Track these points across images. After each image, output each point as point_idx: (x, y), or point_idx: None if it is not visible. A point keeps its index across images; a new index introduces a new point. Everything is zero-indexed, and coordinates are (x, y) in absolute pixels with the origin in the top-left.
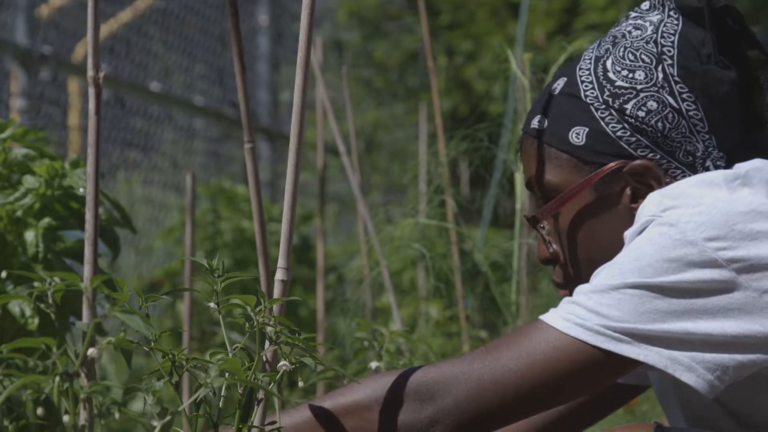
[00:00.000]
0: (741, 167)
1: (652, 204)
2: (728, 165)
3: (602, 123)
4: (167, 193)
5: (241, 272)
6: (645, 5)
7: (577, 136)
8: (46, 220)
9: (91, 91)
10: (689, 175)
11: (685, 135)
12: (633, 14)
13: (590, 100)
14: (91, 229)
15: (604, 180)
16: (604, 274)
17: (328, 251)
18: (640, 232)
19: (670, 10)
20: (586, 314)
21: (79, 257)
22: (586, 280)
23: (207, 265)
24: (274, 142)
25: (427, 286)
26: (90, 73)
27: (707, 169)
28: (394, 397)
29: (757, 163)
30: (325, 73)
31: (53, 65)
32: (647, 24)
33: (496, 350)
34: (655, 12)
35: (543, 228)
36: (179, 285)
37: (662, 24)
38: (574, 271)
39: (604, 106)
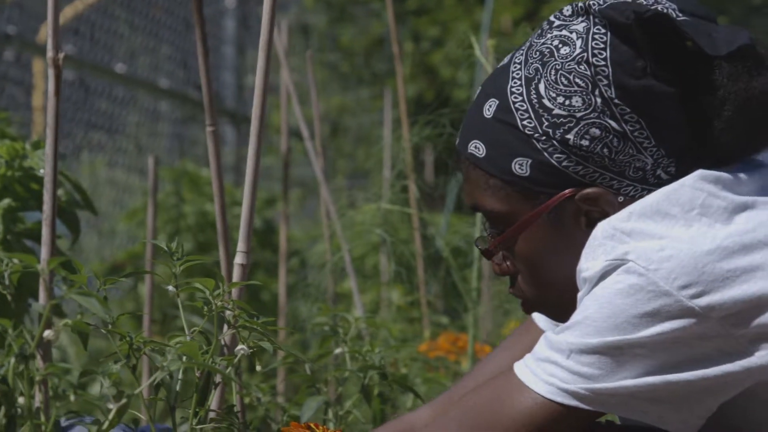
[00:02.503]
0: (695, 196)
1: (606, 239)
2: (678, 168)
3: (545, 155)
4: (131, 176)
5: (203, 256)
6: (567, 10)
7: (521, 167)
8: (6, 201)
9: (51, 72)
10: (641, 189)
11: (633, 155)
12: (556, 22)
13: (529, 131)
14: (48, 210)
15: (555, 209)
16: (580, 332)
17: (291, 236)
18: (602, 277)
19: (594, 17)
20: (568, 377)
21: (39, 239)
22: (543, 299)
23: (167, 248)
24: (239, 126)
25: (389, 271)
26: (50, 53)
27: (659, 178)
28: None
29: (709, 187)
30: (290, 58)
31: (17, 46)
32: (574, 37)
33: (486, 424)
34: (580, 20)
35: (497, 256)
36: (141, 268)
37: (590, 37)
38: (532, 292)
39: (545, 138)
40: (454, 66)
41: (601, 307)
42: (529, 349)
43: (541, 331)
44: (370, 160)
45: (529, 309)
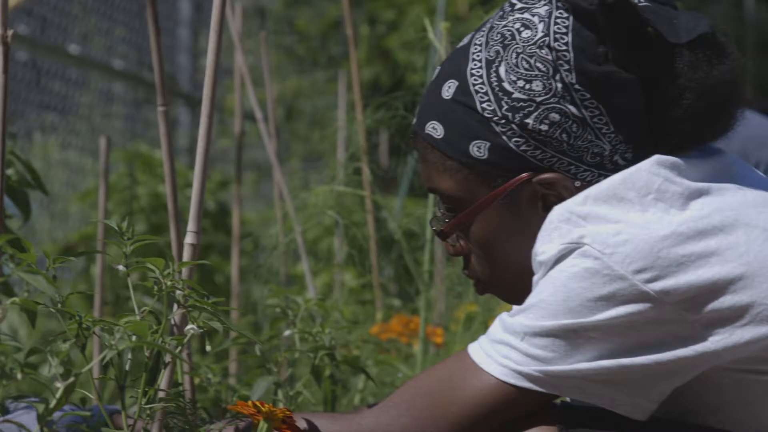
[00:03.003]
0: (651, 181)
1: (561, 223)
2: (635, 154)
3: (504, 138)
4: (84, 157)
5: (155, 237)
6: None
7: (479, 149)
8: None
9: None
10: (598, 175)
11: (591, 140)
12: (518, 4)
13: (488, 114)
14: None
15: (512, 192)
16: (535, 315)
17: (245, 218)
18: (557, 260)
19: (557, 1)
20: (522, 359)
21: None
22: (496, 281)
23: (118, 229)
24: (194, 109)
25: (342, 253)
26: None
27: (616, 164)
28: None
29: (665, 172)
30: (245, 40)
31: None
32: (536, 20)
33: (437, 405)
34: (542, 3)
35: (451, 237)
36: (93, 249)
37: (552, 21)
38: (485, 274)
39: (504, 121)
40: (409, 50)
41: (556, 290)
42: None
43: None
44: (325, 143)
45: (481, 290)
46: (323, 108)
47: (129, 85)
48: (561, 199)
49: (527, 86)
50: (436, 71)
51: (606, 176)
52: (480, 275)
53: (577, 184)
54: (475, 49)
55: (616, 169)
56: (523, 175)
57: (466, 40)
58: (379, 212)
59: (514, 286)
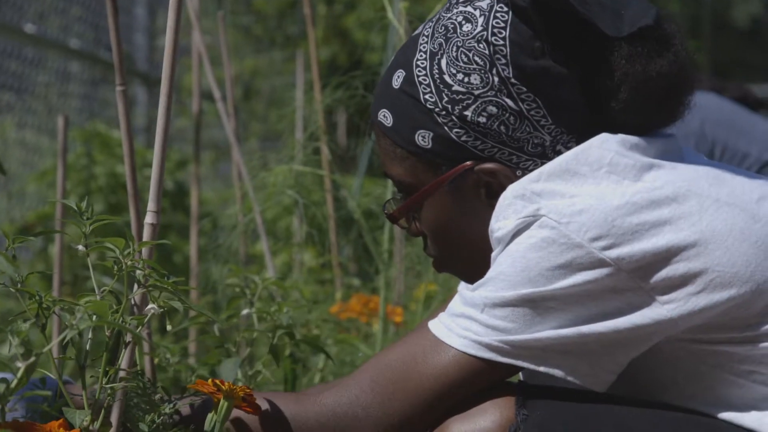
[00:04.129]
0: (603, 155)
1: (516, 199)
2: (579, 143)
3: (446, 129)
4: (41, 137)
5: (114, 217)
6: None
7: (423, 139)
8: None
9: None
10: (540, 163)
11: (530, 132)
12: None
13: (430, 105)
14: None
15: (456, 179)
16: (494, 286)
17: (204, 198)
18: (515, 234)
19: None
20: (482, 330)
21: None
22: (451, 260)
23: (76, 208)
24: (152, 88)
25: (302, 233)
26: None
27: (558, 153)
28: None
29: (616, 147)
30: (203, 20)
31: None
32: (477, 14)
33: (399, 381)
34: None
35: (406, 220)
36: (52, 228)
37: (492, 15)
38: (439, 253)
39: (444, 113)
40: (366, 29)
41: (515, 262)
42: None
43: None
44: (283, 122)
45: (439, 268)
46: (281, 87)
47: (86, 64)
48: (503, 188)
49: (466, 79)
50: (391, 59)
51: None
52: (436, 254)
53: (519, 173)
54: (423, 40)
55: None
56: (466, 163)
57: (417, 30)
58: (338, 191)
59: (469, 264)
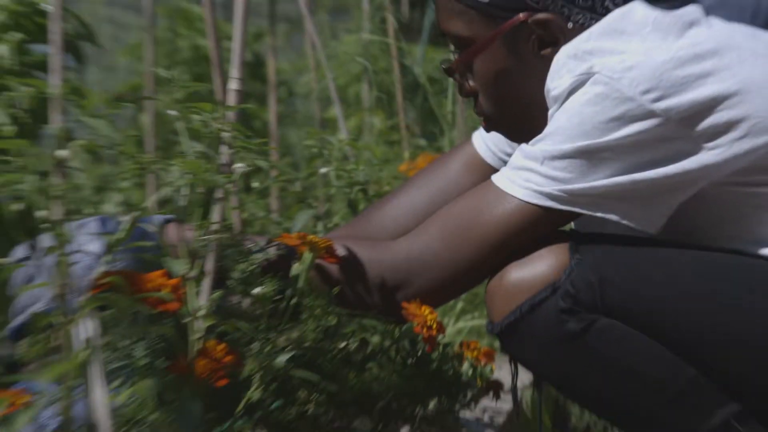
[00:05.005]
0: (648, 14)
1: (569, 59)
2: (626, 1)
3: None
4: (128, 14)
5: (201, 83)
6: None
7: None
8: (17, 35)
9: None
10: (590, 18)
11: None
12: None
13: None
14: (56, 38)
15: (511, 31)
16: (553, 140)
17: (279, 67)
18: (570, 92)
19: None
20: (543, 181)
21: (46, 69)
22: (502, 117)
23: (167, 76)
24: None
25: (371, 98)
26: None
27: (606, 9)
28: (369, 279)
29: (658, 8)
30: None
31: None
32: None
33: (465, 229)
34: None
35: (459, 76)
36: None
37: None
38: (490, 110)
39: None
40: None
41: (571, 117)
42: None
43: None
44: None
45: (489, 127)
46: None
47: None
48: (554, 40)
49: None
50: None
51: (598, 20)
52: (486, 112)
53: (570, 25)
54: None
55: (607, 12)
56: (521, 15)
57: None
58: (404, 59)
59: (519, 123)
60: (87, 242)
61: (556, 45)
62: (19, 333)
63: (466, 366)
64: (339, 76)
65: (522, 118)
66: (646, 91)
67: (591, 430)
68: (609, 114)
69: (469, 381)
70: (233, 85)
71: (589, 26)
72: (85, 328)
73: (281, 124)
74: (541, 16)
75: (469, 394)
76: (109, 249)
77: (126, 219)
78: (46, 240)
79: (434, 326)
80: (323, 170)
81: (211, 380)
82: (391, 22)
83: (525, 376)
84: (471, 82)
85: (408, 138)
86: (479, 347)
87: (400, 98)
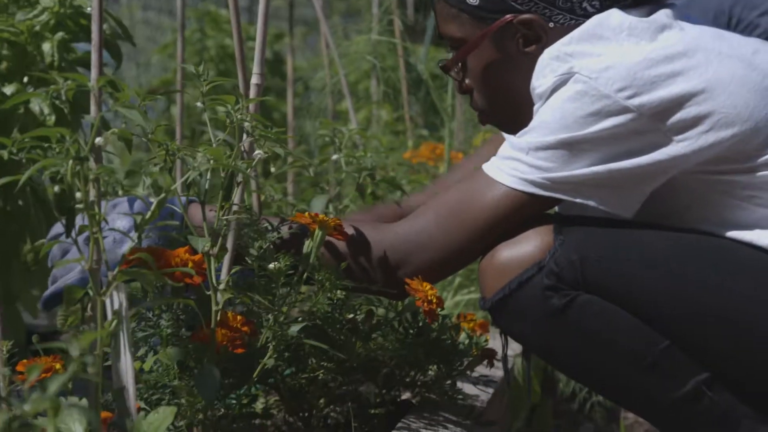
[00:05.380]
0: (623, 20)
1: (552, 60)
2: (602, 3)
3: None
4: (162, 17)
5: (226, 78)
6: None
7: None
8: (60, 34)
9: None
10: (569, 18)
11: None
12: None
13: None
14: (96, 37)
15: (498, 31)
16: (537, 133)
17: (297, 65)
18: (553, 90)
19: None
20: (528, 169)
21: (88, 65)
22: (494, 111)
23: (195, 71)
24: None
25: (379, 93)
26: None
27: (585, 10)
28: (372, 257)
29: (632, 14)
30: None
31: None
32: None
33: (458, 214)
34: None
35: (454, 72)
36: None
37: None
38: (483, 104)
39: None
40: None
41: (554, 112)
42: (493, 154)
43: (502, 140)
44: (361, 0)
45: (484, 120)
46: None
47: None
48: (538, 38)
49: None
50: None
51: (577, 21)
52: (481, 106)
53: (551, 25)
54: None
55: (586, 15)
56: (507, 16)
57: None
58: (409, 57)
59: (508, 115)
60: (116, 220)
61: (539, 43)
62: (51, 302)
63: (462, 336)
64: (350, 73)
65: (512, 111)
66: (621, 89)
67: (577, 395)
68: (588, 109)
69: (466, 350)
70: (255, 80)
71: (568, 26)
72: (115, 300)
73: (297, 115)
74: (525, 16)
75: (465, 362)
76: (138, 228)
77: (154, 200)
78: (80, 219)
79: (434, 301)
80: (335, 157)
81: (229, 349)
82: (398, 24)
83: (516, 346)
84: (467, 81)
85: (412, 128)
86: (475, 319)
87: (405, 93)
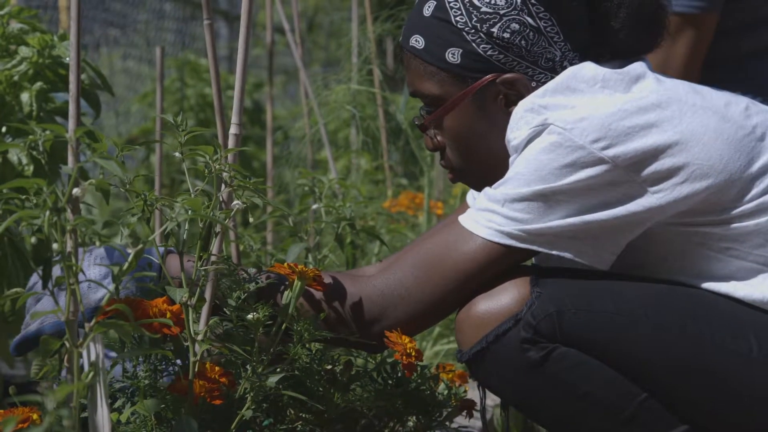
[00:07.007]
0: (597, 72)
1: (526, 113)
2: (582, 61)
3: (474, 45)
4: (142, 65)
5: (204, 128)
6: None
7: (453, 55)
8: (39, 84)
9: None
10: (551, 77)
11: (545, 47)
12: None
13: (461, 25)
14: (74, 88)
15: (480, 91)
16: (512, 185)
17: (276, 114)
18: (528, 141)
19: None
20: (504, 221)
21: (66, 115)
22: (469, 170)
23: (173, 122)
24: (232, 24)
25: (358, 142)
26: None
27: (565, 69)
28: (350, 310)
29: (607, 65)
30: None
31: None
32: None
33: (434, 267)
34: None
35: (430, 131)
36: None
37: None
38: (458, 163)
39: (473, 31)
40: None
41: (529, 164)
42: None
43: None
44: (341, 50)
45: (455, 178)
46: (339, 21)
47: (177, 4)
48: (520, 97)
49: (492, 1)
50: None
51: None
52: (454, 165)
53: (534, 84)
54: None
55: None
56: (489, 76)
57: None
58: (388, 106)
59: (481, 174)
60: (89, 268)
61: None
62: (23, 346)
63: (441, 387)
64: (330, 122)
65: (487, 170)
66: (596, 140)
67: None
68: (562, 161)
69: (444, 401)
70: (233, 130)
71: None
72: (92, 352)
73: (277, 164)
74: (508, 76)
75: (444, 413)
76: (116, 279)
77: (132, 251)
78: (57, 270)
79: (413, 354)
80: (314, 207)
81: (207, 400)
82: (377, 74)
83: (495, 397)
84: (439, 138)
85: (391, 177)
86: (454, 369)
87: (384, 142)
